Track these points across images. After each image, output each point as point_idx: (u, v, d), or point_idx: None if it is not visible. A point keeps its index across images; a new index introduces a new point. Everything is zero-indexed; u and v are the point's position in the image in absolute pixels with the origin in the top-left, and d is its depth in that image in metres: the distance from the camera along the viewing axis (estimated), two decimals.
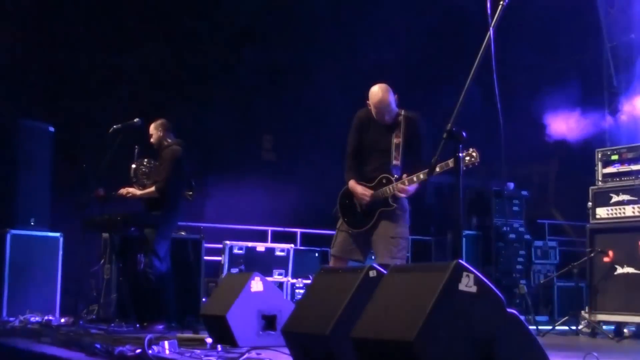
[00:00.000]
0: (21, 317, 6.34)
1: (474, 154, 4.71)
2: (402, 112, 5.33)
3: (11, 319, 6.46)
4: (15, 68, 8.95)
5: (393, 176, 5.19)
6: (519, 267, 9.78)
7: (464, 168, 4.78)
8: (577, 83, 10.43)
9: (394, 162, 5.22)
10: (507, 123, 3.83)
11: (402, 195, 5.15)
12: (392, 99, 5.27)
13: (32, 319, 6.33)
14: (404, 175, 5.15)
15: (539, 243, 10.07)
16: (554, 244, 10.25)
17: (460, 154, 3.48)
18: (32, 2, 9.24)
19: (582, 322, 6.68)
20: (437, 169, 4.92)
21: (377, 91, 5.27)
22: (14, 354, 4.87)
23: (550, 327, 6.75)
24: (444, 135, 3.51)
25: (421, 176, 5.05)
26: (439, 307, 2.70)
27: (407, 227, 5.28)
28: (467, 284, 2.78)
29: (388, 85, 5.32)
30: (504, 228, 9.70)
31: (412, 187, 5.14)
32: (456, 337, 2.73)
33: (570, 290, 9.22)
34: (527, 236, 9.93)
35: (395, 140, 5.25)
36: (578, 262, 6.82)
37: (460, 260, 2.81)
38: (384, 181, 5.24)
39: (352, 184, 5.36)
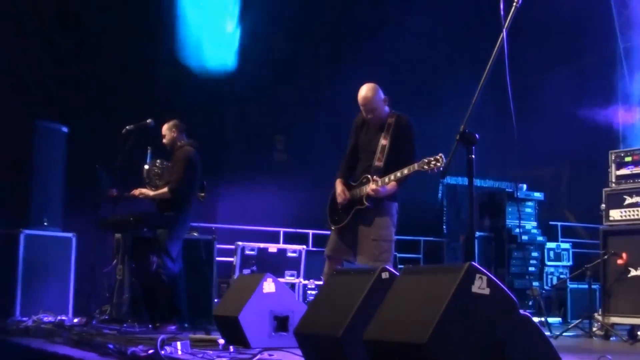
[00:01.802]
0: (34, 317, 6.35)
1: (439, 158, 4.71)
2: (393, 114, 5.34)
3: (24, 318, 6.48)
4: (30, 69, 8.99)
5: (373, 177, 5.20)
6: (531, 269, 9.74)
7: (429, 172, 4.84)
8: (590, 84, 10.39)
9: (376, 163, 5.26)
10: (520, 125, 3.82)
11: (373, 195, 5.15)
12: (377, 98, 5.29)
13: (45, 319, 6.34)
14: (375, 177, 5.18)
15: (552, 245, 10.02)
16: (567, 246, 10.21)
17: (473, 156, 3.48)
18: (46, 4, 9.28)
19: (595, 325, 6.64)
20: (406, 171, 4.97)
21: (361, 89, 5.33)
22: (27, 353, 4.90)
23: (563, 330, 6.72)
24: (457, 137, 3.51)
25: (392, 177, 5.09)
26: (451, 309, 2.70)
27: (389, 229, 5.23)
28: (480, 286, 2.77)
29: (377, 85, 5.35)
30: (517, 230, 9.65)
31: (384, 189, 5.14)
32: (469, 339, 2.72)
33: (583, 293, 9.18)
34: (540, 238, 9.89)
35: (382, 142, 5.28)
36: (591, 264, 6.79)
37: (473, 262, 2.81)
38: (364, 181, 5.29)
39: (336, 182, 5.47)
